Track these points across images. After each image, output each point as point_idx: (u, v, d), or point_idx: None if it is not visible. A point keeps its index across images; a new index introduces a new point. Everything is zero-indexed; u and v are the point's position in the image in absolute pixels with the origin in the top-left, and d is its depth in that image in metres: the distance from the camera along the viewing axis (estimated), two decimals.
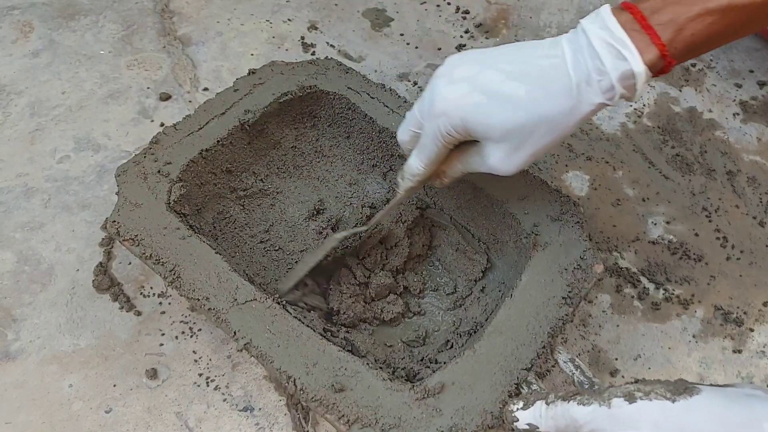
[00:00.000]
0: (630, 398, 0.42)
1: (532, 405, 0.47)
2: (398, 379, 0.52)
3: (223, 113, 0.66)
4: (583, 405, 0.44)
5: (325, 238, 0.67)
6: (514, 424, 0.47)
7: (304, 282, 0.63)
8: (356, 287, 0.64)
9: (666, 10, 0.47)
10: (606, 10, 0.48)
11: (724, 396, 0.41)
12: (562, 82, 0.48)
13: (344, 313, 0.62)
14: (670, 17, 0.47)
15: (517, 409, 0.48)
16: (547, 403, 0.46)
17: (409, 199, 0.69)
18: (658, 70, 0.48)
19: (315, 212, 0.69)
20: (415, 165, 0.56)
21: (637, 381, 0.44)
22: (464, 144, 0.55)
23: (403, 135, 0.57)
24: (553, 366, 0.62)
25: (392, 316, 0.63)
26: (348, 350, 0.54)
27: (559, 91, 0.49)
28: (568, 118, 0.49)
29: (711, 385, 0.43)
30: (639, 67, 0.47)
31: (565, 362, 0.52)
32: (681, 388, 0.42)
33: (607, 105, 0.49)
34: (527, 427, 0.47)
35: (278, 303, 0.55)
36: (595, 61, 0.47)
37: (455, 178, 0.58)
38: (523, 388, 0.51)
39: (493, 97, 0.50)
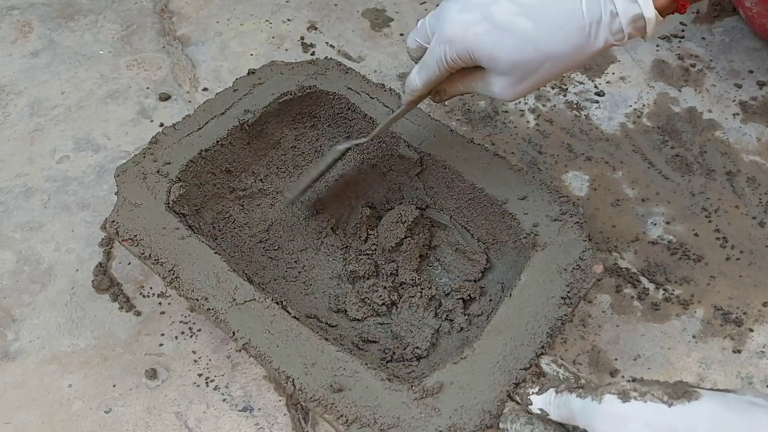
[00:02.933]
0: (624, 396, 0.41)
1: (545, 391, 0.48)
2: (397, 378, 0.53)
3: (223, 113, 0.66)
4: (580, 398, 0.44)
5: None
6: (529, 406, 0.48)
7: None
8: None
9: None
10: None
11: (724, 403, 0.39)
12: (574, 21, 0.49)
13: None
14: None
15: (533, 392, 0.49)
16: (556, 392, 0.47)
17: (409, 199, 0.69)
18: (672, 11, 0.50)
19: (315, 212, 0.69)
20: (415, 82, 0.57)
21: (635, 380, 0.44)
22: (468, 67, 0.55)
23: (410, 42, 0.58)
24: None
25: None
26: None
27: (570, 31, 0.50)
28: (576, 56, 0.51)
29: (711, 389, 0.41)
30: (649, 12, 0.48)
31: (547, 364, 0.52)
32: (680, 392, 0.40)
33: (616, 45, 0.50)
34: (539, 412, 0.48)
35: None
36: (606, 2, 0.48)
37: (453, 96, 0.59)
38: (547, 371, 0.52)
39: (503, 30, 0.51)
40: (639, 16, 0.49)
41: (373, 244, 0.67)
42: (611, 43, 0.50)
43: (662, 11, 0.49)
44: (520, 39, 0.50)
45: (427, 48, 0.56)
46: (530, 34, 0.50)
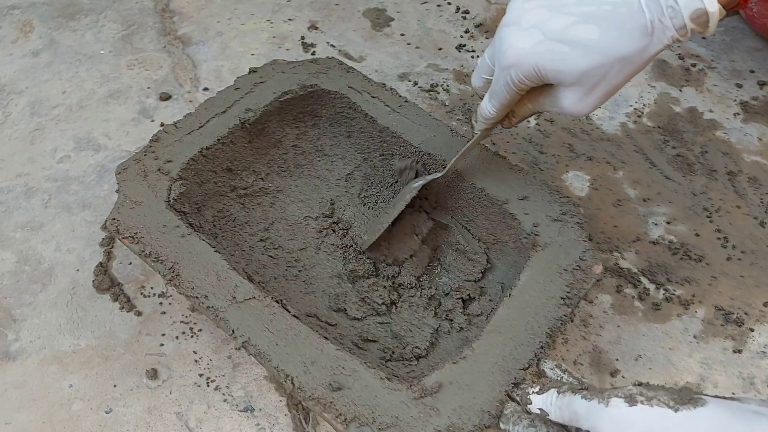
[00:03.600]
0: (630, 401, 0.42)
1: (546, 391, 0.48)
2: (396, 378, 0.52)
3: (224, 112, 0.66)
4: (586, 400, 0.44)
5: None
6: (528, 406, 0.48)
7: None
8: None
9: None
10: None
11: (729, 411, 0.40)
12: (636, 20, 0.48)
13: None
14: None
15: (533, 392, 0.48)
16: (558, 393, 0.47)
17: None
18: (734, 5, 0.49)
19: (330, 214, 0.69)
20: (488, 109, 0.57)
21: (641, 384, 0.44)
22: (535, 87, 0.55)
23: (476, 81, 0.59)
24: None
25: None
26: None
27: (633, 30, 0.48)
28: (642, 55, 0.49)
29: (717, 396, 0.42)
30: (712, 6, 0.47)
31: (551, 369, 0.52)
32: (686, 398, 0.41)
33: (680, 41, 0.49)
34: (539, 411, 0.48)
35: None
36: None
37: (524, 119, 0.60)
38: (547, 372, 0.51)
39: (565, 42, 0.50)
40: (702, 12, 0.47)
41: (384, 255, 0.67)
42: (676, 38, 0.49)
43: (726, 5, 0.48)
44: (584, 47, 0.50)
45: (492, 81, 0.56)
46: (593, 40, 0.49)
